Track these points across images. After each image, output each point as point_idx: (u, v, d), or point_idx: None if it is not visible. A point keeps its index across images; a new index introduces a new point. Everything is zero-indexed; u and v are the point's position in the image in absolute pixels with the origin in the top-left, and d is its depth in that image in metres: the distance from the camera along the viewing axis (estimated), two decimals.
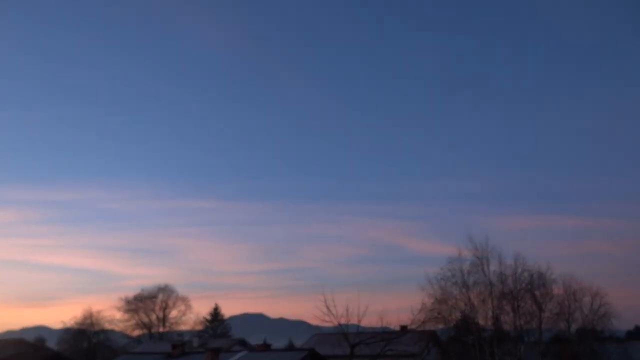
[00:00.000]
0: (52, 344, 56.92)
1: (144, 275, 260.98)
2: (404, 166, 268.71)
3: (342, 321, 24.64)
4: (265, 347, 36.03)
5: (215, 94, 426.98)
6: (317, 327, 29.10)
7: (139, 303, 59.47)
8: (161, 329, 60.09)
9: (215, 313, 67.82)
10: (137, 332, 60.63)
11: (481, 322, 37.41)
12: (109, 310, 60.42)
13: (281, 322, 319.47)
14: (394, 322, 26.67)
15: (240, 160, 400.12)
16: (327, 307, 24.34)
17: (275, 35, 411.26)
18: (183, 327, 61.63)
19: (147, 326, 59.88)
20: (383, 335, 25.68)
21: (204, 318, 66.24)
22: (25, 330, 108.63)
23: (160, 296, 60.52)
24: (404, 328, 30.69)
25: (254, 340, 42.40)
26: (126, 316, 58.92)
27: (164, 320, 60.26)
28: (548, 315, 35.42)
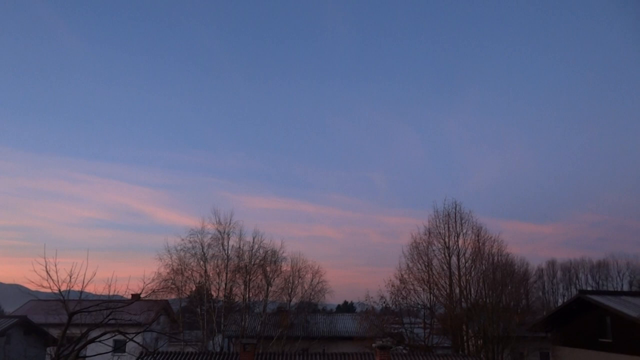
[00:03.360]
0: None
1: None
2: (158, 132, 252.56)
3: (64, 287, 22.52)
4: None
5: None
6: (36, 293, 26.13)
7: None
8: None
9: None
10: None
11: (214, 293, 38.76)
12: None
13: None
14: (125, 290, 25.50)
15: None
16: (47, 272, 21.92)
17: None
18: None
19: None
20: (108, 304, 24.38)
21: None
22: None
23: None
24: (135, 296, 29.59)
25: None
26: None
27: None
28: (274, 289, 38.60)
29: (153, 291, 27.17)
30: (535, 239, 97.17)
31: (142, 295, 27.68)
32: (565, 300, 44.73)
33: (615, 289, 58.19)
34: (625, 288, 63.26)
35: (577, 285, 69.06)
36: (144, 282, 25.92)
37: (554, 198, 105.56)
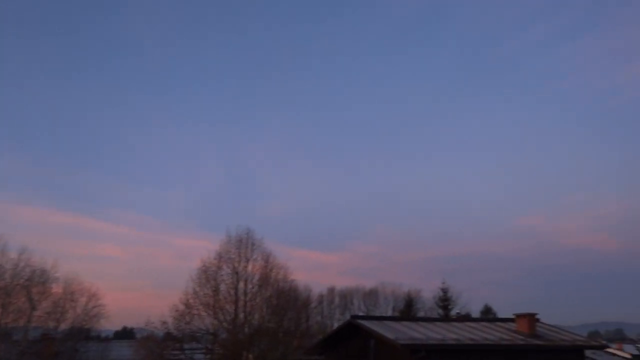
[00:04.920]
0: None
1: None
2: None
3: None
4: None
5: None
6: None
7: None
8: None
9: None
10: None
11: None
12: None
13: None
14: None
15: None
16: None
17: None
18: None
19: None
20: None
21: None
22: None
23: None
24: None
25: None
26: None
27: None
28: (40, 314, 34.19)
29: None
30: (321, 267, 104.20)
31: None
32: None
33: (382, 315, 65.06)
34: (390, 313, 71.21)
35: (351, 311, 75.60)
36: None
37: (340, 229, 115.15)
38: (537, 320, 30.73)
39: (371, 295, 79.45)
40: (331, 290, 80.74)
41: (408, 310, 64.06)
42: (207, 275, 35.28)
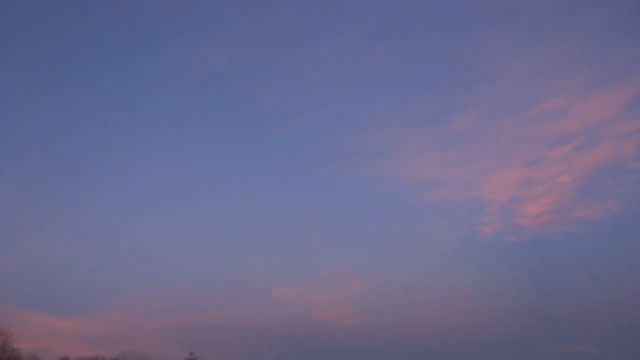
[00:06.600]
0: None
1: None
2: None
3: None
4: None
5: None
6: None
7: None
8: None
9: None
10: None
11: None
12: None
13: None
14: None
15: None
16: None
17: None
18: None
19: None
20: None
21: None
22: None
23: None
24: None
25: None
26: None
27: None
28: None
29: None
30: (57, 333, 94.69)
31: None
32: None
33: None
34: None
35: None
36: None
37: (86, 291, 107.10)
38: None
39: None
40: None
41: None
42: None
